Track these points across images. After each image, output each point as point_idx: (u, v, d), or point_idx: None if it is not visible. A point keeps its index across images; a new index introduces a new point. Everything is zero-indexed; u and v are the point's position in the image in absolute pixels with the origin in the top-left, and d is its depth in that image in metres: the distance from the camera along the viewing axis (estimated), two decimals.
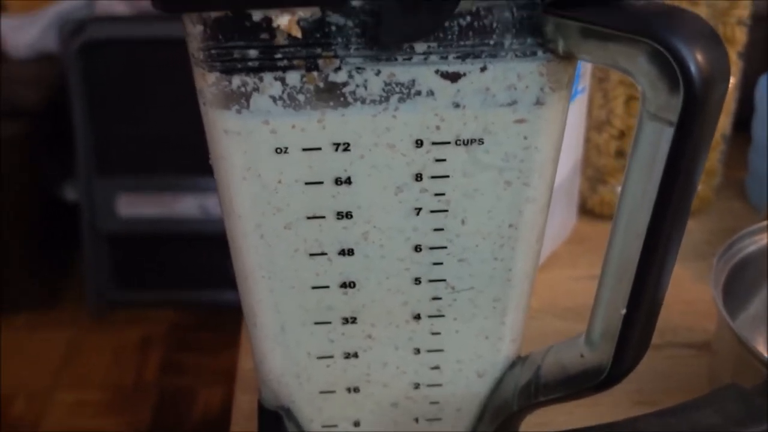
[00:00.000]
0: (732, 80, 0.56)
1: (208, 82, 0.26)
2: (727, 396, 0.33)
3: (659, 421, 0.31)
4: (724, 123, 0.58)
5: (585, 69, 0.50)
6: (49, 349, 1.53)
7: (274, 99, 0.26)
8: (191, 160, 1.45)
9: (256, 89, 0.26)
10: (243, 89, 0.26)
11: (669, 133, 0.24)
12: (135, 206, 1.51)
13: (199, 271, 1.56)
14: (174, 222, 1.51)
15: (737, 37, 0.55)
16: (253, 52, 0.26)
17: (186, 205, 1.50)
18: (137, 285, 1.60)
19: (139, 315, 1.61)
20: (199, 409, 1.42)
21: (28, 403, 1.41)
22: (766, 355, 0.37)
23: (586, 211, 0.60)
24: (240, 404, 0.43)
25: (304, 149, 0.27)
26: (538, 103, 0.27)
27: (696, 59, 0.23)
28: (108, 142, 1.46)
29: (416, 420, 0.35)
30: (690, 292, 0.53)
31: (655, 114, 0.25)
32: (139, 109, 1.44)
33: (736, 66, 0.56)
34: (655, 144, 0.25)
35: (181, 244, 1.54)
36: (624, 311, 0.28)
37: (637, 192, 0.26)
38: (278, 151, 0.27)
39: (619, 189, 0.57)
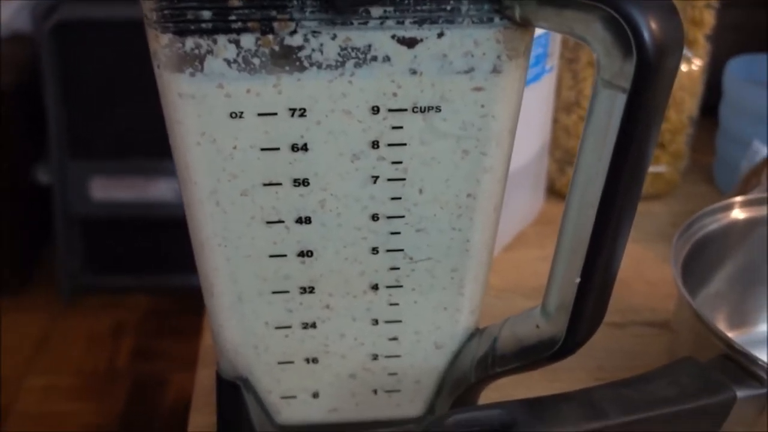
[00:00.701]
0: (699, 63, 0.57)
1: (161, 44, 0.26)
2: (683, 369, 0.33)
3: (613, 392, 0.31)
4: (692, 106, 0.58)
5: (553, 49, 0.50)
6: (21, 334, 1.52)
7: (228, 62, 0.26)
8: (166, 143, 1.42)
9: (210, 52, 0.26)
10: (197, 51, 0.26)
11: (622, 99, 0.24)
12: (108, 190, 1.49)
13: (172, 256, 1.55)
14: (148, 206, 1.50)
15: (705, 19, 0.55)
16: (206, 14, 0.25)
17: (160, 189, 1.49)
18: (110, 270, 1.59)
19: (112, 300, 1.60)
20: (172, 394, 1.41)
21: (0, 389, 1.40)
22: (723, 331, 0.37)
23: (553, 192, 0.60)
24: (201, 378, 0.43)
25: (260, 114, 0.27)
26: (495, 71, 0.27)
27: (650, 26, 0.23)
28: (81, 125, 1.44)
29: (375, 392, 0.35)
30: (654, 272, 0.53)
31: (609, 81, 0.25)
32: (113, 91, 1.42)
33: (703, 49, 0.57)
34: (608, 112, 0.25)
35: (155, 229, 1.53)
36: (578, 280, 0.28)
37: (591, 161, 0.26)
38: (233, 115, 0.27)
39: None
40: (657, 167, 0.59)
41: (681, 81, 0.56)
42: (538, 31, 0.44)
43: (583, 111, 0.56)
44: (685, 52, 0.56)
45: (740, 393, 0.32)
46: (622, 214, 0.27)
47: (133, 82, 1.40)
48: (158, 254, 1.56)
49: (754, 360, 0.33)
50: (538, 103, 0.50)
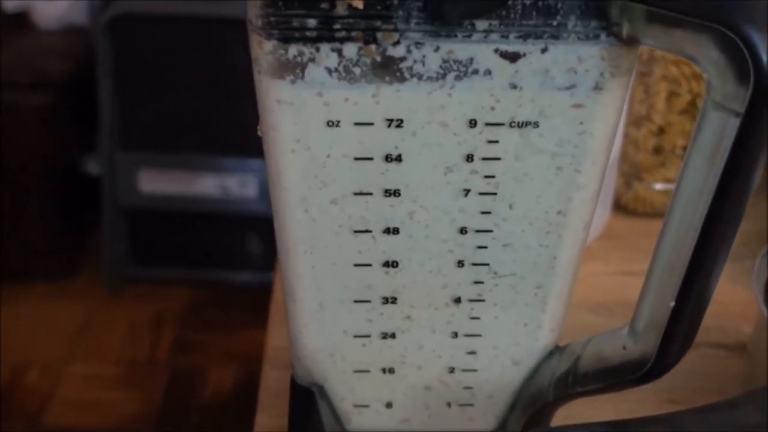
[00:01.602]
0: None
1: (264, 50, 0.26)
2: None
3: (698, 417, 0.30)
4: None
5: None
6: (65, 320, 1.54)
7: (329, 71, 0.26)
8: (214, 139, 1.45)
9: (312, 60, 0.26)
10: (299, 59, 0.26)
11: (734, 123, 0.24)
12: (156, 182, 1.51)
13: (215, 251, 1.56)
14: (194, 200, 1.51)
15: None
16: (311, 22, 0.25)
17: (206, 184, 1.50)
18: (154, 261, 1.61)
19: (154, 291, 1.61)
20: (210, 388, 1.42)
21: (41, 374, 1.42)
22: None
23: (619, 207, 0.60)
24: (267, 380, 0.43)
25: (356, 123, 0.27)
26: (597, 88, 0.27)
27: None
28: (132, 117, 1.46)
29: (448, 404, 0.34)
30: (724, 293, 0.52)
31: (721, 104, 0.24)
32: (165, 85, 1.44)
33: None
34: (718, 134, 0.24)
35: (200, 223, 1.55)
36: (673, 304, 0.27)
37: (696, 183, 0.26)
38: (330, 124, 0.27)
39: (655, 186, 0.56)
40: None
41: None
42: None
43: (653, 125, 0.55)
44: None
45: None
46: (724, 239, 0.26)
47: (184, 77, 1.42)
48: (201, 248, 1.57)
49: None
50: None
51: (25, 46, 1.52)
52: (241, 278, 1.55)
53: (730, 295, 0.51)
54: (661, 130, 0.55)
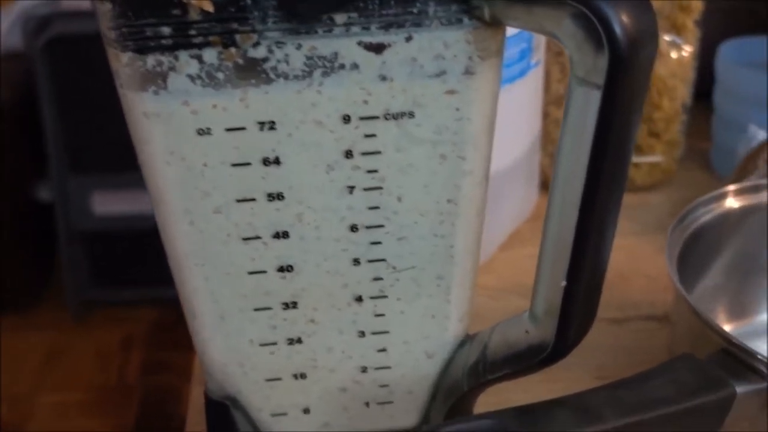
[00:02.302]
0: (690, 49, 0.56)
1: (122, 63, 0.25)
2: (681, 366, 0.32)
3: (608, 395, 0.30)
4: (684, 93, 0.57)
5: (538, 42, 0.49)
6: (31, 351, 1.52)
7: (192, 78, 0.25)
8: None
9: (173, 68, 0.25)
10: (159, 69, 0.25)
11: (597, 96, 0.24)
12: (110, 204, 1.49)
13: None
14: (151, 218, 1.47)
15: (693, 5, 0.54)
16: (166, 30, 0.25)
17: None
18: (117, 284, 1.58)
19: (120, 314, 1.59)
20: (184, 406, 1.40)
21: (11, 407, 1.40)
22: (721, 325, 0.36)
23: (548, 187, 0.59)
24: (194, 396, 0.42)
25: (228, 129, 0.26)
26: (468, 72, 0.26)
27: (620, 19, 0.22)
28: (79, 140, 1.44)
29: (367, 404, 0.34)
30: (653, 265, 0.52)
31: (584, 78, 0.24)
32: (110, 105, 1.39)
33: (693, 35, 0.56)
34: (584, 109, 0.24)
35: (159, 241, 1.52)
36: (564, 284, 0.27)
37: (570, 160, 0.25)
38: (201, 132, 0.26)
39: None
40: (653, 157, 0.58)
41: (672, 68, 0.55)
42: None
43: None
44: (675, 38, 0.55)
45: (740, 388, 0.32)
46: (605, 213, 0.26)
47: None
48: (164, 266, 1.55)
49: (752, 354, 0.32)
50: (526, 98, 0.49)
51: None
52: None
53: (658, 267, 0.51)
54: None
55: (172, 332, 1.56)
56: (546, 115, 0.56)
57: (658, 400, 0.30)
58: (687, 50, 0.55)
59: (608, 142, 0.24)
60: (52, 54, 1.36)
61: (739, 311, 0.44)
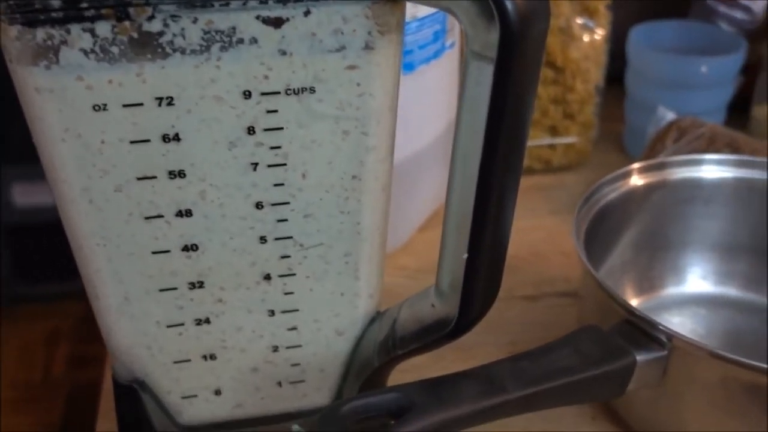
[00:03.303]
0: (602, 32, 0.57)
1: (10, 36, 0.24)
2: (585, 337, 0.33)
3: (512, 366, 0.31)
4: (597, 75, 0.58)
5: (453, 23, 0.49)
6: None
7: (85, 52, 0.25)
8: None
9: (64, 42, 0.25)
10: (50, 42, 0.25)
11: (490, 70, 0.24)
12: (31, 195, 1.45)
13: None
14: None
15: None
16: (55, 2, 0.24)
17: None
18: (40, 277, 1.54)
19: (44, 308, 1.55)
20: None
21: None
22: (629, 300, 0.37)
23: None
24: (107, 384, 0.41)
25: (125, 105, 0.26)
26: (368, 47, 0.26)
27: None
28: None
29: (279, 384, 0.34)
30: (568, 243, 0.53)
31: (478, 52, 0.24)
32: None
33: (605, 18, 0.57)
34: (479, 83, 0.25)
35: None
36: (465, 256, 0.27)
37: (468, 135, 0.26)
38: (96, 108, 0.26)
39: (537, 141, 0.57)
40: (567, 138, 0.59)
41: (585, 51, 0.57)
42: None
43: None
44: (587, 21, 0.57)
45: (640, 357, 0.33)
46: (504, 186, 0.26)
47: None
48: None
49: (653, 324, 0.33)
50: (441, 80, 0.50)
51: None
52: None
53: (573, 245, 0.53)
54: None
55: (96, 327, 1.52)
56: None
57: (561, 370, 0.31)
58: (599, 33, 0.57)
59: (503, 114, 0.25)
60: None
61: (647, 286, 0.46)
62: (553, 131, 0.59)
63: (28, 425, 1.33)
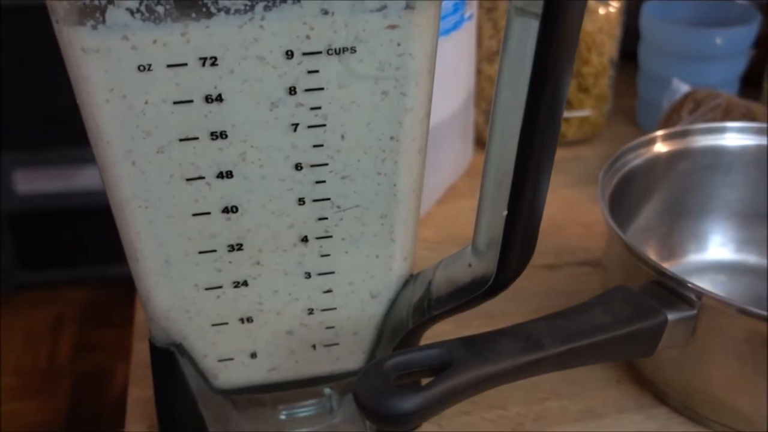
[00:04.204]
0: (616, 5, 0.57)
1: None
2: (615, 297, 0.34)
3: (548, 324, 0.31)
4: (612, 48, 0.59)
5: None
6: None
7: (131, 12, 0.25)
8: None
9: (111, 2, 0.25)
10: (96, 2, 0.25)
11: (535, 26, 0.24)
12: (34, 182, 1.44)
13: (106, 246, 1.51)
14: (76, 196, 1.45)
15: None
16: None
17: (88, 178, 1.44)
18: (43, 264, 1.54)
19: (48, 295, 1.55)
20: (117, 385, 1.39)
21: None
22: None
23: (482, 143, 0.60)
24: (137, 352, 0.42)
25: (169, 65, 0.26)
26: (409, 7, 0.27)
27: None
28: (1, 118, 1.39)
29: (313, 346, 0.34)
30: (586, 214, 0.54)
31: (522, 8, 0.25)
32: (32, 80, 1.37)
33: None
34: (523, 40, 0.25)
35: (86, 219, 1.49)
36: (505, 213, 0.28)
37: (510, 91, 0.26)
38: (141, 68, 0.26)
39: None
40: (582, 111, 0.60)
41: (600, 23, 0.57)
42: None
43: None
44: None
45: (671, 316, 0.33)
46: (544, 144, 0.27)
47: (49, 69, 1.35)
48: (92, 245, 1.52)
49: (682, 283, 0.34)
50: (459, 52, 0.50)
51: None
52: None
53: (591, 215, 0.53)
54: None
55: (101, 312, 1.53)
56: (479, 72, 0.57)
57: (595, 328, 0.31)
58: (614, 6, 0.57)
59: (547, 70, 0.25)
60: None
61: (667, 253, 0.46)
62: (568, 105, 0.60)
63: (33, 412, 1.34)
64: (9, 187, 1.43)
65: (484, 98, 0.58)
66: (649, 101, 0.62)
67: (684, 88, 0.56)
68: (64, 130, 1.40)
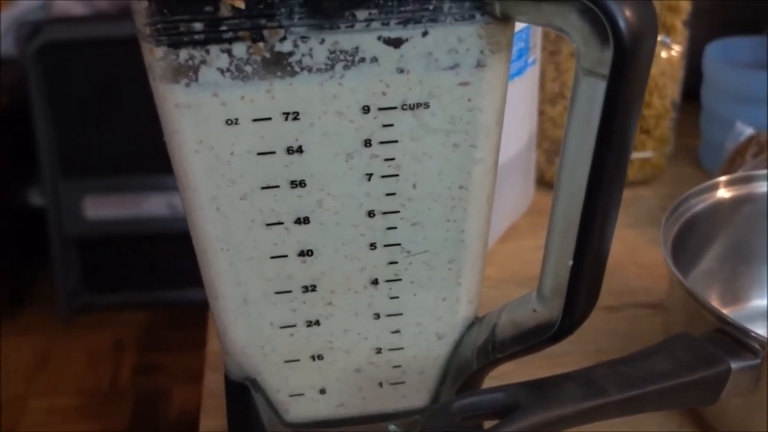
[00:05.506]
0: (679, 48, 0.58)
1: (156, 57, 0.27)
2: (678, 344, 0.34)
3: (611, 370, 0.32)
4: (674, 91, 0.59)
5: (535, 42, 0.51)
6: (20, 356, 1.51)
7: (222, 71, 0.27)
8: (157, 158, 1.42)
9: (204, 62, 0.27)
10: (191, 62, 0.27)
11: (602, 86, 0.25)
12: (102, 208, 1.49)
13: (168, 271, 1.55)
14: (142, 222, 1.50)
15: (682, 6, 0.56)
16: (198, 25, 0.26)
17: (153, 205, 1.49)
18: (107, 288, 1.59)
19: (111, 318, 1.60)
20: (176, 407, 1.41)
21: (2, 413, 1.40)
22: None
23: (543, 183, 0.61)
24: (209, 383, 0.43)
25: (255, 120, 0.28)
26: (480, 65, 0.28)
27: (624, 14, 0.24)
28: (71, 145, 1.45)
29: (380, 384, 0.35)
30: (646, 256, 0.54)
31: (590, 69, 0.26)
32: (101, 109, 1.43)
33: (682, 35, 0.58)
34: (590, 99, 0.26)
35: (150, 245, 1.53)
36: (571, 263, 0.29)
37: (576, 146, 0.27)
38: (229, 122, 0.28)
39: None
40: (643, 153, 0.60)
41: (662, 67, 0.57)
42: (519, 26, 0.45)
43: (567, 101, 0.57)
44: (664, 38, 0.57)
45: (734, 365, 0.33)
46: (610, 196, 0.28)
47: (118, 99, 1.41)
48: (154, 270, 1.56)
49: (746, 332, 0.34)
50: (523, 95, 0.51)
51: None
52: (195, 295, 1.54)
53: (650, 257, 0.53)
54: None
55: (162, 335, 1.56)
56: (541, 113, 0.58)
57: (658, 375, 0.32)
58: (676, 50, 0.57)
59: (613, 128, 0.26)
60: (44, 59, 1.37)
61: (730, 299, 0.46)
62: None
63: None
64: (78, 212, 1.48)
65: (546, 138, 0.59)
66: (712, 142, 0.62)
67: (748, 130, 0.56)
68: (132, 159, 1.45)
